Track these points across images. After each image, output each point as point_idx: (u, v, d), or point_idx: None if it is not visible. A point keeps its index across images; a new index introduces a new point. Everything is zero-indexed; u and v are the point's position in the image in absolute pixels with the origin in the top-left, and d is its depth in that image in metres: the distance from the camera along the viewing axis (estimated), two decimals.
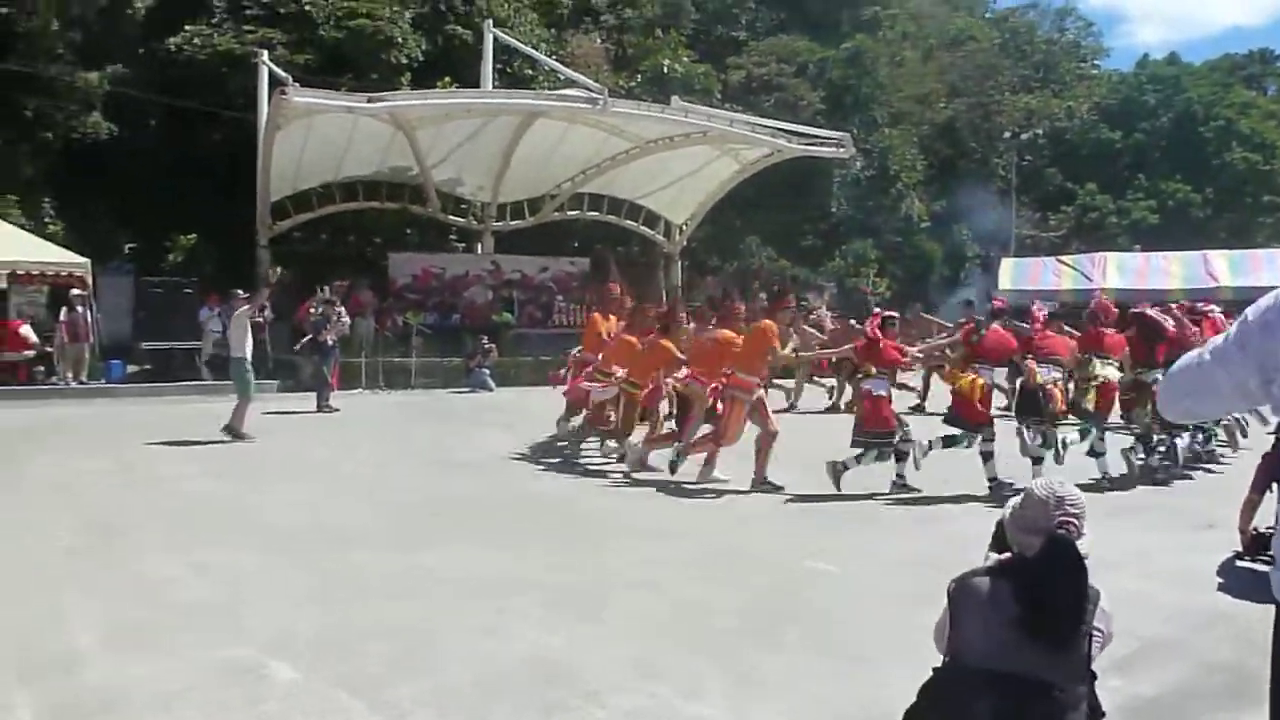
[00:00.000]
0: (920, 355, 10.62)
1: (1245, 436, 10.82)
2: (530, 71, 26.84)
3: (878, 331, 9.26)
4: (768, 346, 9.51)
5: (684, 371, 10.28)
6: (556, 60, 25.95)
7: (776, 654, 4.77)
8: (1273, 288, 1.97)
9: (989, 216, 37.63)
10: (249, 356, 12.55)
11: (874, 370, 9.15)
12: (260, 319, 18.32)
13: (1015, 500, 2.52)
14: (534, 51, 25.38)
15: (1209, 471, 10.14)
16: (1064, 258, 30.81)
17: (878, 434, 8.93)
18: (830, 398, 16.34)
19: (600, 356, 11.12)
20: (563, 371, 12.75)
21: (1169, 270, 27.73)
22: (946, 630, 2.50)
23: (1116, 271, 28.66)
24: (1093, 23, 74.24)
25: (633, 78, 30.18)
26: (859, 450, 8.97)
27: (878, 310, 10.57)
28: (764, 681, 4.41)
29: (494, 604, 5.49)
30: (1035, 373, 9.13)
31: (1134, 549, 6.66)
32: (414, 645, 4.80)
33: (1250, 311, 1.95)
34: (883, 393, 9.04)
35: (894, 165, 35.27)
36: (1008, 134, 42.33)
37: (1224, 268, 27.01)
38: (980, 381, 9.08)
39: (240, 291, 13.23)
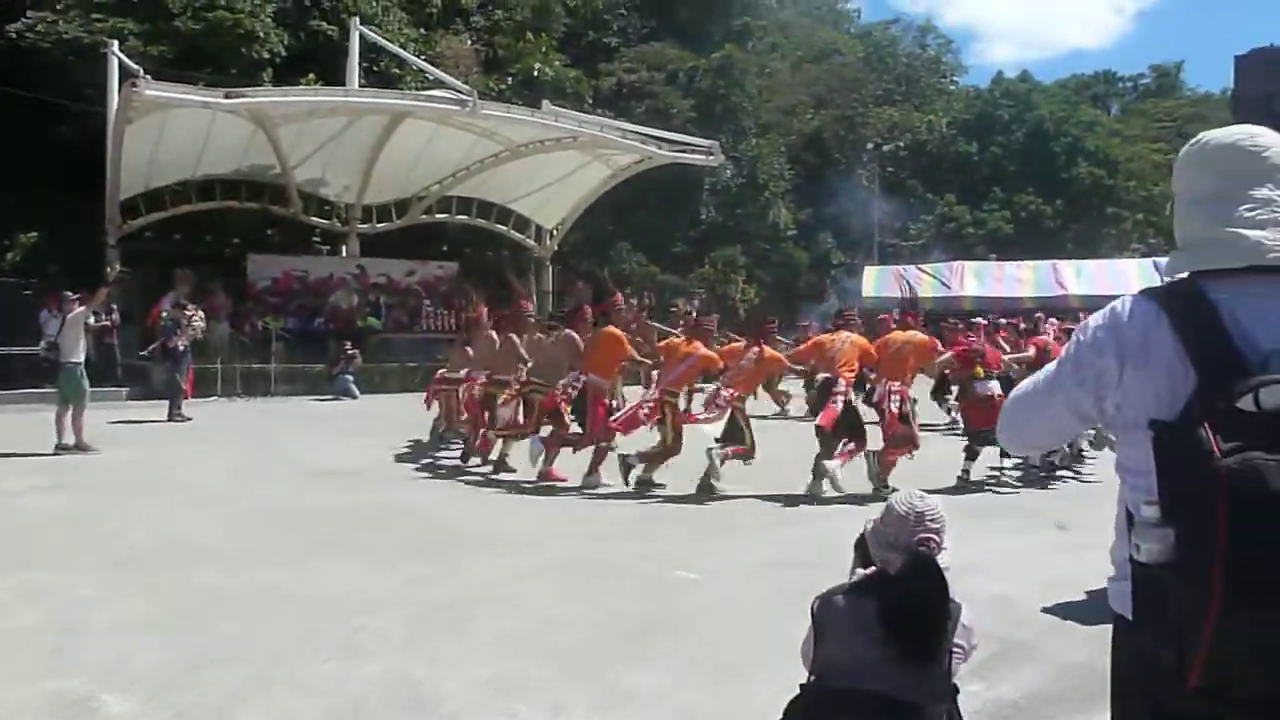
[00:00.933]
0: (1008, 360, 11.17)
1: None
2: (398, 71, 26.31)
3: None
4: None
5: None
6: (425, 60, 25.50)
7: (643, 667, 4.66)
8: (1115, 297, 1.97)
9: (853, 225, 38.67)
10: (82, 362, 11.89)
11: (983, 372, 10.15)
12: (107, 321, 17.47)
13: (877, 515, 2.49)
14: (402, 51, 24.88)
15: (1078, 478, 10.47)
16: (924, 266, 31.91)
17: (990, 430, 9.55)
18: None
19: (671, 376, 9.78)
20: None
21: (1022, 278, 29.04)
22: (811, 648, 2.45)
23: (974, 279, 29.83)
24: (952, 40, 77.18)
25: (503, 80, 29.88)
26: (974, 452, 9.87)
27: (983, 320, 11.83)
28: (630, 695, 4.31)
29: (351, 623, 5.25)
30: None
31: (999, 552, 6.81)
32: (262, 671, 4.52)
33: (1079, 332, 1.96)
34: (999, 392, 9.88)
35: (762, 174, 35.89)
36: (871, 145, 43.60)
37: (1072, 276, 28.45)
38: None
39: (70, 293, 12.39)
